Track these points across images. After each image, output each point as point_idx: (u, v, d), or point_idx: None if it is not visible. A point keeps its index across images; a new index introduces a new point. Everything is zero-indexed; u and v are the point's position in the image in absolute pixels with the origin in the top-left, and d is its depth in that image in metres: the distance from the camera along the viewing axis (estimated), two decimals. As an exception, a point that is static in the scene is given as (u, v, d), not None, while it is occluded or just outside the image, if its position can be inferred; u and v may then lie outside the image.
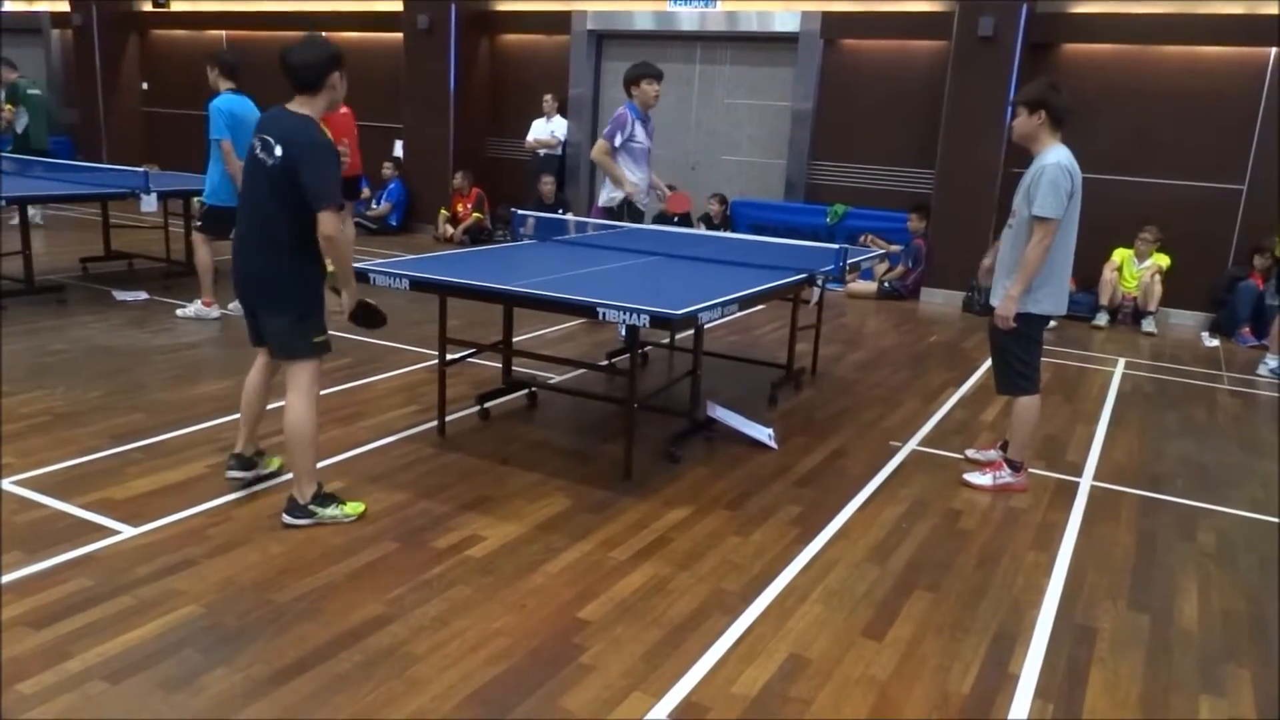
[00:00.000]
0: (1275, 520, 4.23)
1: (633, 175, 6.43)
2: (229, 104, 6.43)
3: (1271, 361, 7.03)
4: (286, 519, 3.59)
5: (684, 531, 3.75)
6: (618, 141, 6.34)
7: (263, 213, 3.43)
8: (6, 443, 4.24)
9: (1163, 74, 8.69)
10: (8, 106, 10.20)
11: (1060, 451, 5.00)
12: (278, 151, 3.34)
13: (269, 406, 3.82)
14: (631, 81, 6.39)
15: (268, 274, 3.48)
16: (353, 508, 3.66)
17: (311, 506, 3.58)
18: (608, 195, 6.56)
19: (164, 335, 6.30)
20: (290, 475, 3.67)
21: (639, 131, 6.40)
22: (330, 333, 3.65)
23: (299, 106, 3.46)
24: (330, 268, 3.52)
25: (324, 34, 3.90)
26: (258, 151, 3.40)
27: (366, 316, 3.74)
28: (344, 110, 8.09)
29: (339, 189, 3.44)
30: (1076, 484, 4.54)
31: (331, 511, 3.60)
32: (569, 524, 3.76)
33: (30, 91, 10.52)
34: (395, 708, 2.57)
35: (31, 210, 10.22)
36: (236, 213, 3.62)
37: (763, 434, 4.79)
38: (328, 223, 3.32)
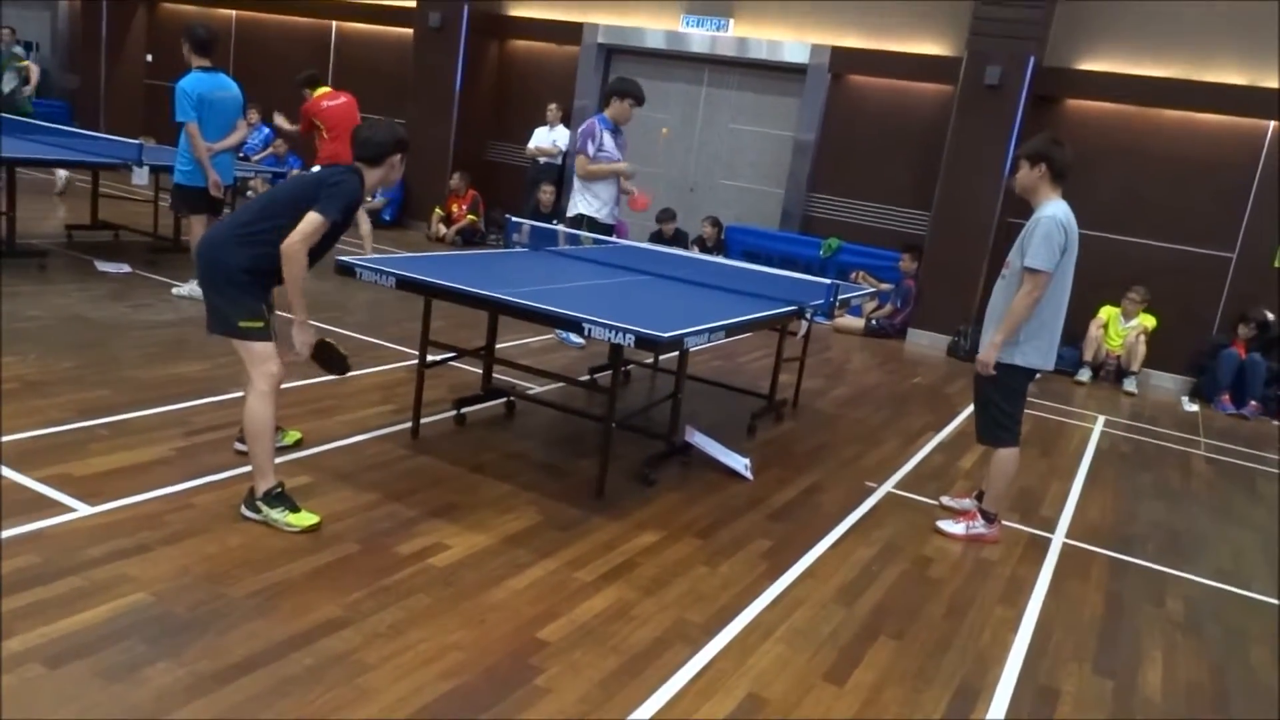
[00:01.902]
0: (1242, 593, 4.23)
1: (598, 187, 6.51)
2: (197, 84, 6.20)
3: None
4: (242, 509, 3.53)
5: (652, 557, 3.70)
6: (591, 152, 6.44)
7: (268, 217, 3.45)
8: (-31, 408, 4.15)
9: (1162, 136, 8.78)
10: None
11: (1035, 505, 4.98)
12: (317, 173, 3.55)
13: (237, 394, 3.75)
14: (614, 94, 6.49)
15: (228, 261, 3.44)
16: (301, 519, 3.47)
17: (260, 503, 3.49)
18: (572, 206, 6.71)
19: (144, 311, 6.20)
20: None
21: (609, 143, 6.50)
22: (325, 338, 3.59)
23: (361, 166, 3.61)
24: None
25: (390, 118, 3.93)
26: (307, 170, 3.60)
27: (325, 357, 3.71)
28: (345, 99, 8.04)
29: (337, 214, 3.43)
30: (1049, 540, 4.53)
31: (276, 515, 3.46)
32: (536, 539, 3.70)
33: (14, 50, 10.61)
34: (342, 716, 2.49)
35: (61, 175, 10.27)
36: (253, 203, 3.62)
37: (739, 464, 4.75)
38: (304, 228, 3.34)
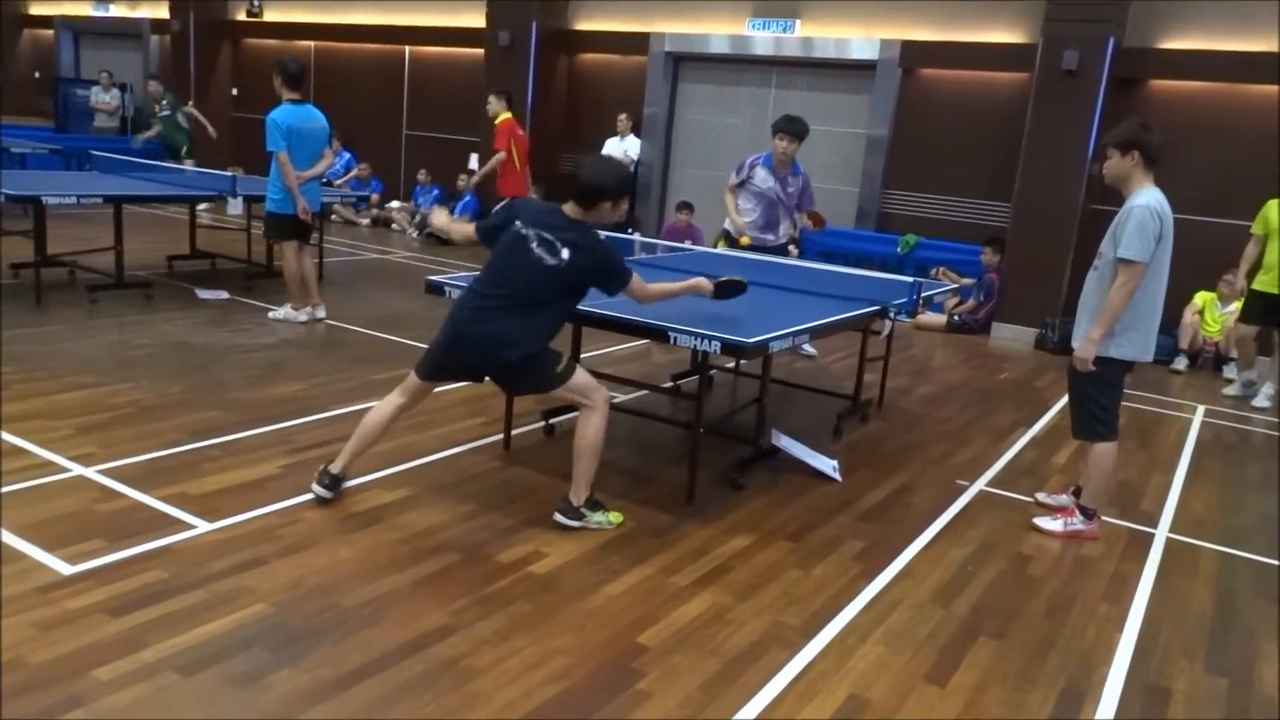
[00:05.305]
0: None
1: (743, 214, 6.83)
2: (286, 115, 6.49)
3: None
4: (558, 517, 3.82)
5: (745, 561, 3.73)
6: (733, 180, 6.83)
7: (531, 295, 3.65)
8: (95, 432, 4.41)
9: (1252, 113, 8.43)
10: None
11: (1135, 500, 4.85)
12: (564, 255, 3.61)
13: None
14: (772, 132, 6.83)
15: (512, 335, 3.64)
16: (615, 517, 3.89)
17: (583, 509, 3.83)
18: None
19: (243, 335, 6.49)
20: (357, 480, 3.74)
21: (759, 175, 6.78)
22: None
23: (573, 211, 3.71)
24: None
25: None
26: (534, 245, 3.62)
27: (731, 290, 4.15)
28: (521, 133, 8.47)
29: (626, 267, 3.77)
30: (1151, 535, 4.40)
31: (599, 517, 3.85)
32: (630, 546, 3.76)
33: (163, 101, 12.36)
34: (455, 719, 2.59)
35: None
36: (485, 275, 3.76)
37: (827, 465, 4.75)
38: (642, 294, 3.83)
